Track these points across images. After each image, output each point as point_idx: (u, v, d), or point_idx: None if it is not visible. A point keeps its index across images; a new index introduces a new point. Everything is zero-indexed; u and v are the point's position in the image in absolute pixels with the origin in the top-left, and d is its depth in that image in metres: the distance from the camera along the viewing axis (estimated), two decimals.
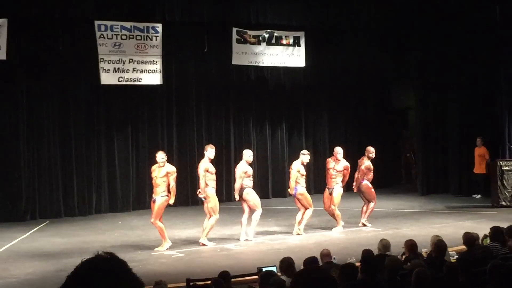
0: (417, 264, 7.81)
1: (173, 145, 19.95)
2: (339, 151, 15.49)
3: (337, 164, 15.34)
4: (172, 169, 13.70)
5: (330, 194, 15.27)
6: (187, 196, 19.48)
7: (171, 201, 13.75)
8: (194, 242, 14.07)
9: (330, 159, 15.73)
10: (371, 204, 15.67)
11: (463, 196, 20.23)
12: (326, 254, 9.77)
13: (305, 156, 15.05)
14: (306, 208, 14.85)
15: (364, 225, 15.57)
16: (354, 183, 15.84)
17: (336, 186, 15.28)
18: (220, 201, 14.71)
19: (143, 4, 18.23)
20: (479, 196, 19.79)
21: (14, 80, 17.89)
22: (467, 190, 20.44)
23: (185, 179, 19.20)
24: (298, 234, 14.70)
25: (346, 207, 16.29)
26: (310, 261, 8.75)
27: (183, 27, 19.31)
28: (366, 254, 9.02)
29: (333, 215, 15.34)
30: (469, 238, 9.64)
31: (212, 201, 13.88)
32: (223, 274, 8.70)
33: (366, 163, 15.69)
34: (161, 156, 13.68)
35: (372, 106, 22.83)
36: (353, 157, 16.68)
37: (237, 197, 14.46)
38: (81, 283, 1.99)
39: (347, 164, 15.40)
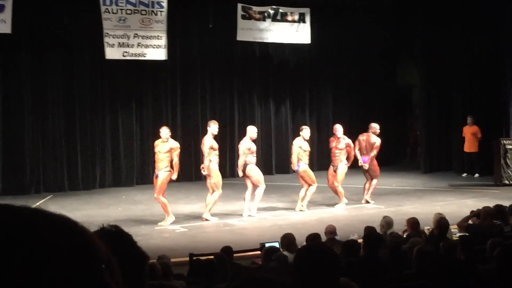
0: (417, 242, 7.86)
1: (177, 121, 19.95)
2: (338, 128, 15.50)
3: (338, 142, 15.36)
4: (175, 145, 13.75)
5: (335, 171, 15.30)
6: (190, 171, 19.50)
7: (174, 177, 13.81)
8: (197, 217, 14.14)
9: (332, 137, 15.75)
10: (374, 181, 15.70)
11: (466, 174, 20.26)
12: (330, 231, 9.82)
13: (304, 131, 15.09)
14: (309, 185, 14.90)
15: (367, 201, 15.62)
16: (362, 159, 15.73)
17: (341, 164, 15.29)
18: (224, 177, 14.76)
19: None
20: (477, 175, 19.80)
21: (19, 54, 17.89)
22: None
23: (189, 154, 19.23)
24: (301, 210, 14.76)
25: (349, 184, 16.31)
26: (313, 237, 8.80)
27: (188, 2, 19.27)
28: (369, 231, 9.07)
29: (336, 192, 15.38)
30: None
31: (215, 176, 13.91)
32: (225, 249, 8.75)
33: (377, 140, 15.70)
34: (165, 131, 13.74)
35: (376, 84, 22.78)
36: (356, 134, 16.67)
37: (240, 173, 14.50)
38: None
39: (349, 141, 15.40)
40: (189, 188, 17.98)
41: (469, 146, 19.81)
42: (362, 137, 15.82)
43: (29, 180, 17.98)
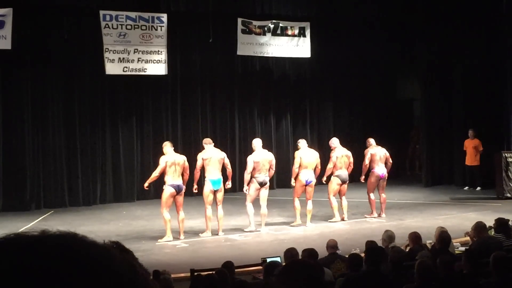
0: (425, 256, 7.82)
1: (178, 135, 19.93)
2: (330, 143, 15.74)
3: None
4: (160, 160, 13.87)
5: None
6: (191, 186, 19.38)
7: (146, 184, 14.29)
8: (198, 232, 14.09)
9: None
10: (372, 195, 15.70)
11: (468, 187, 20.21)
12: (332, 245, 9.77)
13: (299, 144, 15.14)
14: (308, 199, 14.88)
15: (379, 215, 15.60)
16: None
17: (333, 176, 15.34)
18: (224, 191, 14.68)
19: None
20: (479, 188, 19.73)
21: (19, 70, 17.90)
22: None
23: (190, 169, 19.14)
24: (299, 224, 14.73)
25: (350, 198, 16.23)
26: (309, 252, 8.76)
27: (188, 17, 19.27)
28: (370, 245, 9.03)
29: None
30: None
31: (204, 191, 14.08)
32: (227, 264, 8.71)
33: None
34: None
35: (377, 97, 22.75)
36: (357, 147, 16.67)
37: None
38: None
39: (331, 155, 15.42)
40: (190, 203, 17.92)
41: (471, 159, 19.76)
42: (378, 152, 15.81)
43: (30, 196, 17.93)
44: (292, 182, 15.08)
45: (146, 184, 14.28)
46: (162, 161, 13.72)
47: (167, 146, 13.96)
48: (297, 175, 14.85)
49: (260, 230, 14.24)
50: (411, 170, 24.65)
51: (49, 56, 18.14)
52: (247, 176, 14.34)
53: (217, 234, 13.92)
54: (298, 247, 9.43)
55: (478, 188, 19.69)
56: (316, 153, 15.28)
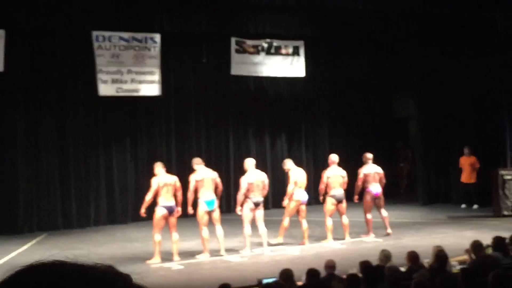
0: (423, 275, 7.72)
1: (172, 156, 19.84)
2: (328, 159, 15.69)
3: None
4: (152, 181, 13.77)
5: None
6: (186, 207, 19.28)
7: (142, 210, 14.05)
8: (194, 253, 13.96)
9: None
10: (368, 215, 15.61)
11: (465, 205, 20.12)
12: (330, 266, 9.67)
13: (287, 164, 15.09)
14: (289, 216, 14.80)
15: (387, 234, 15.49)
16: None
17: (327, 197, 15.27)
18: (221, 211, 14.54)
19: (141, 14, 18.12)
20: (476, 206, 19.65)
21: (11, 91, 17.78)
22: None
23: (184, 190, 19.03)
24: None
25: (349, 218, 16.12)
26: (313, 273, 8.69)
27: (182, 37, 19.23)
28: (365, 265, 8.93)
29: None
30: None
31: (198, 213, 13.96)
32: (223, 286, 8.61)
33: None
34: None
35: (372, 116, 22.71)
36: (353, 167, 16.56)
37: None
38: None
39: (338, 173, 15.34)
40: (185, 224, 17.79)
41: (467, 176, 19.69)
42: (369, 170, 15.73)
43: (22, 219, 17.77)
44: (285, 202, 14.98)
45: (142, 210, 14.11)
46: (154, 182, 13.64)
47: (159, 167, 13.90)
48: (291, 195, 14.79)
49: (263, 251, 14.14)
50: (405, 189, 24.54)
51: (42, 78, 18.06)
52: (240, 197, 14.23)
53: (221, 255, 13.77)
54: (294, 267, 9.33)
55: (475, 206, 19.60)
56: (303, 171, 15.24)
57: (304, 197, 14.77)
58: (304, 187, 14.95)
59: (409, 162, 24.24)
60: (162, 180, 13.67)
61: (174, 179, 13.86)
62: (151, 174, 14.16)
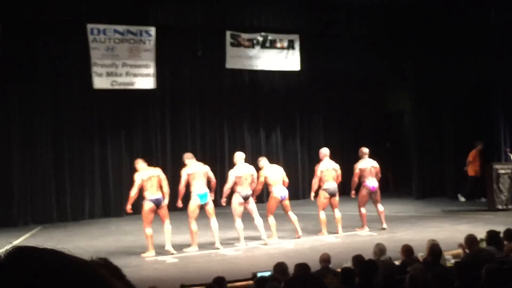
0: (417, 269, 7.73)
1: (167, 149, 19.84)
2: (320, 152, 15.64)
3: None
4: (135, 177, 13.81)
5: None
6: (176, 201, 19.29)
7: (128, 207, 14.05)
8: (188, 246, 13.95)
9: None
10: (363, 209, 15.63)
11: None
12: (325, 259, 9.68)
13: (260, 163, 14.95)
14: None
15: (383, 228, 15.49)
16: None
17: (320, 190, 15.26)
18: (214, 205, 14.54)
19: (136, 7, 18.07)
20: (484, 199, 19.63)
21: (5, 84, 17.74)
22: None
23: (177, 184, 19.04)
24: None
25: (342, 211, 16.14)
26: (301, 267, 8.68)
27: (177, 30, 19.18)
28: (358, 259, 8.95)
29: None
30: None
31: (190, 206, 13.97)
32: (218, 279, 8.62)
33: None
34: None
35: (367, 109, 22.72)
36: (348, 160, 16.58)
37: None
38: None
39: (332, 166, 15.33)
40: (180, 217, 17.80)
41: (478, 170, 19.59)
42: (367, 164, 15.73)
43: (17, 212, 17.76)
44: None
45: (128, 207, 14.12)
46: (138, 177, 13.66)
47: (140, 163, 13.92)
48: (270, 192, 14.78)
49: (263, 239, 14.18)
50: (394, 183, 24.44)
51: (36, 71, 18.02)
52: (226, 190, 14.28)
53: (216, 248, 13.77)
54: (289, 261, 9.34)
55: (483, 199, 19.35)
56: (280, 168, 15.13)
57: (282, 192, 14.64)
58: (282, 183, 14.82)
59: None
60: (146, 174, 13.68)
61: (158, 172, 13.89)
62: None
